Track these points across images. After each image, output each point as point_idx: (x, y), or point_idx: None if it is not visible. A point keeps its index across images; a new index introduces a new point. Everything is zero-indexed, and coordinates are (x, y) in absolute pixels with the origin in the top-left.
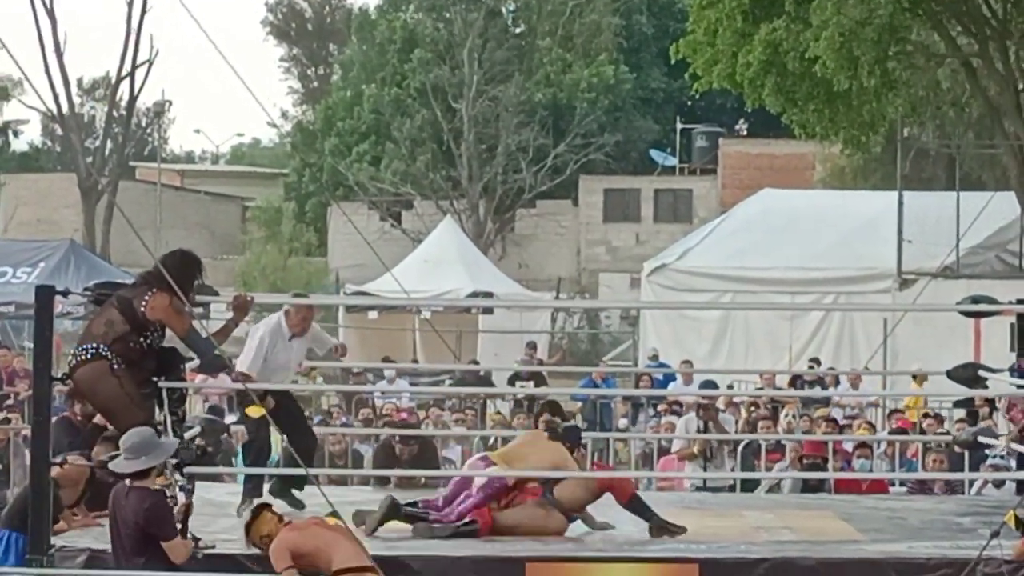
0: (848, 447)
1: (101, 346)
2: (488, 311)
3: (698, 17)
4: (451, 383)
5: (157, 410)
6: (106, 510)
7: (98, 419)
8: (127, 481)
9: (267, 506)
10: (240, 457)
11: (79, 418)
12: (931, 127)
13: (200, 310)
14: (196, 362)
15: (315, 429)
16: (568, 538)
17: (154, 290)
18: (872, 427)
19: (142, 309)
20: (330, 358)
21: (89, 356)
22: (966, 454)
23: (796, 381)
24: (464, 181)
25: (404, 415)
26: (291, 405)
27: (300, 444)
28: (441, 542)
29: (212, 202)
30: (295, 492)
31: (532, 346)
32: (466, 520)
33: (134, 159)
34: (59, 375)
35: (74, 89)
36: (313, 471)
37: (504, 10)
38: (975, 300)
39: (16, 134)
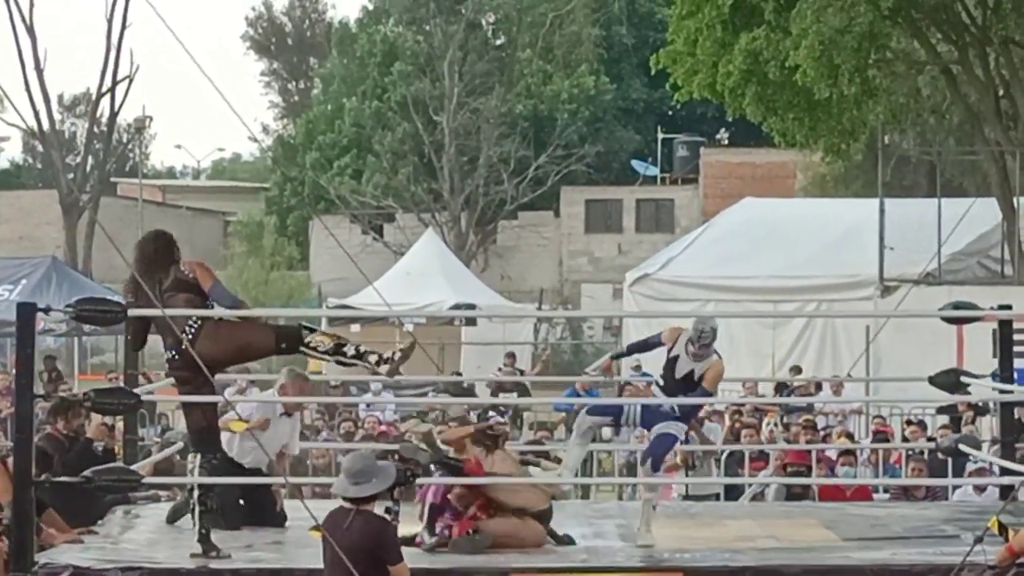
0: (832, 454)
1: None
2: (471, 323)
3: (678, 27)
4: (434, 395)
5: None
6: (88, 526)
7: (91, 433)
8: (345, 504)
9: None
10: None
11: (63, 434)
12: (912, 134)
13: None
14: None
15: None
16: (552, 549)
17: (182, 261)
18: (850, 437)
19: (192, 276)
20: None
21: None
22: (949, 460)
23: (781, 389)
24: (446, 193)
25: (384, 428)
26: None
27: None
28: (423, 555)
29: (193, 217)
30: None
31: (511, 356)
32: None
33: (115, 175)
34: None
35: (55, 106)
36: (294, 480)
37: (484, 22)
38: (957, 306)
39: None
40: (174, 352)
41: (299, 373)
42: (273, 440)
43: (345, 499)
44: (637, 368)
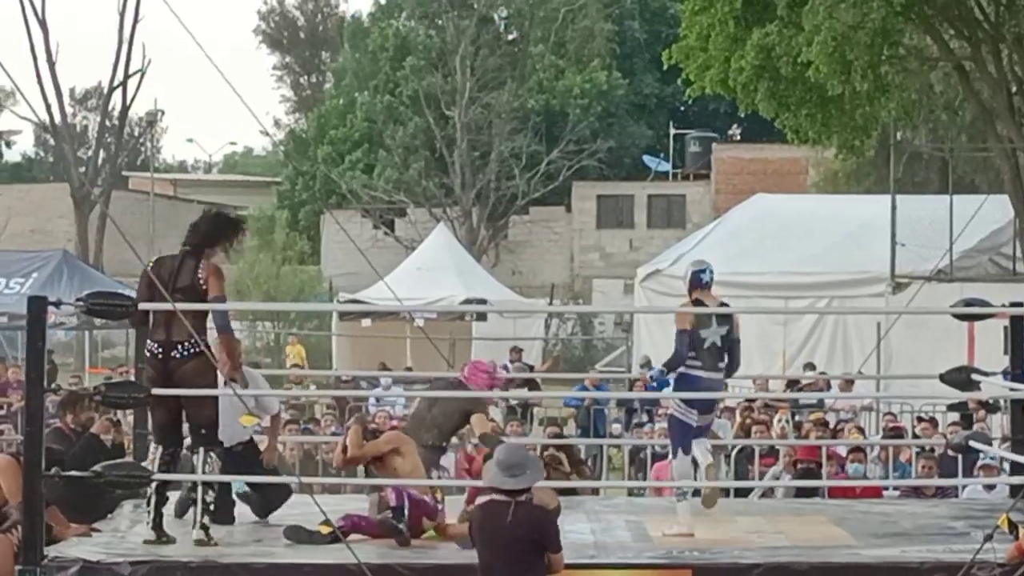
0: (842, 451)
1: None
2: (482, 318)
3: (690, 22)
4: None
5: None
6: (97, 520)
7: (95, 429)
8: (499, 496)
9: None
10: None
11: (71, 428)
12: (924, 131)
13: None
14: None
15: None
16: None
17: (203, 262)
18: (862, 431)
19: (205, 286)
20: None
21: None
22: (959, 458)
23: (791, 386)
24: (457, 188)
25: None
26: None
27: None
28: (428, 550)
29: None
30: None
31: (517, 351)
32: None
33: (127, 169)
34: (52, 386)
35: (66, 99)
36: (307, 479)
37: (496, 17)
38: (968, 303)
39: (8, 145)
40: (186, 347)
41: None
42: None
43: (499, 491)
44: (646, 364)
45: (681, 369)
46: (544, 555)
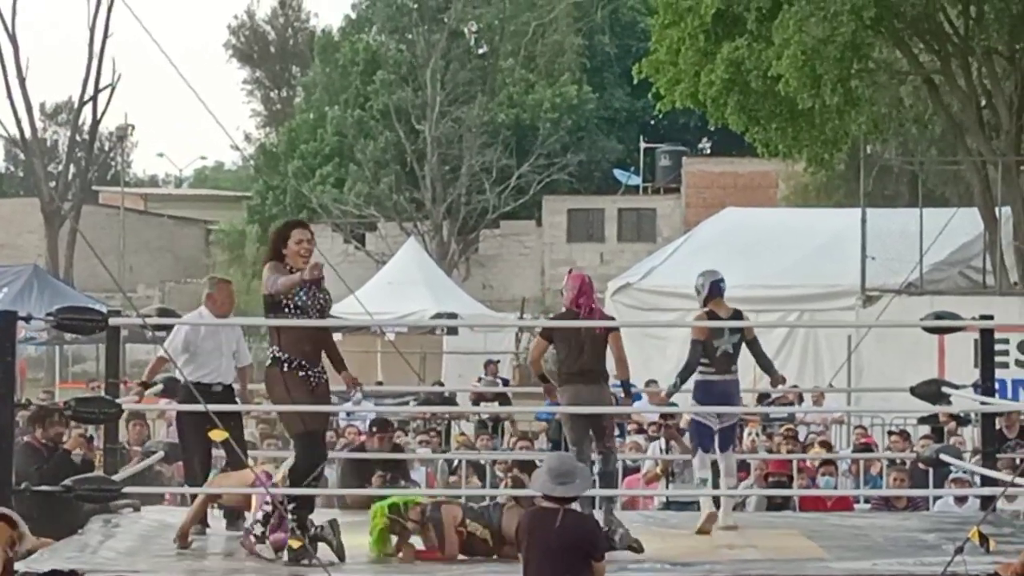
0: (813, 464)
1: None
2: (452, 332)
3: (660, 37)
4: (415, 405)
5: None
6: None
7: (69, 445)
8: (547, 504)
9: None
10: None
11: (41, 443)
12: (894, 144)
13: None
14: (159, 387)
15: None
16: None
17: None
18: (829, 446)
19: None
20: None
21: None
22: (930, 471)
23: (762, 399)
24: (428, 202)
25: (364, 438)
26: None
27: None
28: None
29: (175, 226)
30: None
31: (493, 364)
32: None
33: (97, 183)
34: (22, 400)
35: (36, 114)
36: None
37: (467, 31)
38: (939, 316)
39: None
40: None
41: (221, 279)
42: (216, 350)
43: (549, 498)
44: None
45: (696, 376)
46: (589, 563)
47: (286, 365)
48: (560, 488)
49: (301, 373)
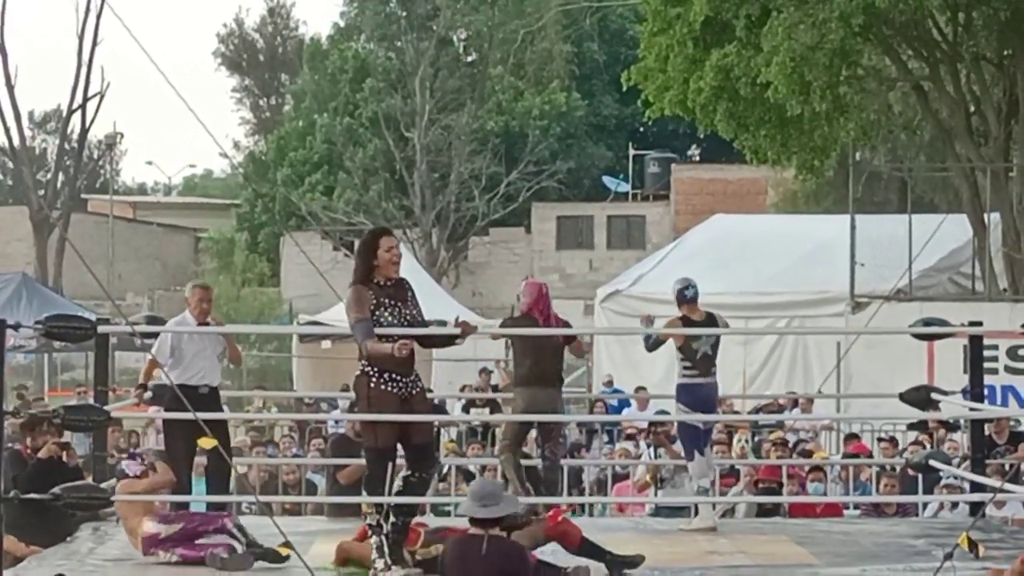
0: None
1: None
2: None
3: (649, 44)
4: None
5: None
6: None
7: (42, 454)
8: (474, 530)
9: None
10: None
11: (30, 452)
12: (883, 151)
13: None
14: (150, 394)
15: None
16: None
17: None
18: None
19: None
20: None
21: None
22: (919, 477)
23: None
24: (417, 210)
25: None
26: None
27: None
28: None
29: (164, 234)
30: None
31: (486, 372)
32: None
33: (86, 191)
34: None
35: (25, 122)
36: (265, 499)
37: (456, 39)
38: (928, 323)
39: None
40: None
41: (196, 284)
42: (200, 353)
43: (473, 522)
44: (608, 384)
45: (679, 380)
46: None
47: (373, 379)
48: (483, 511)
49: (389, 386)
